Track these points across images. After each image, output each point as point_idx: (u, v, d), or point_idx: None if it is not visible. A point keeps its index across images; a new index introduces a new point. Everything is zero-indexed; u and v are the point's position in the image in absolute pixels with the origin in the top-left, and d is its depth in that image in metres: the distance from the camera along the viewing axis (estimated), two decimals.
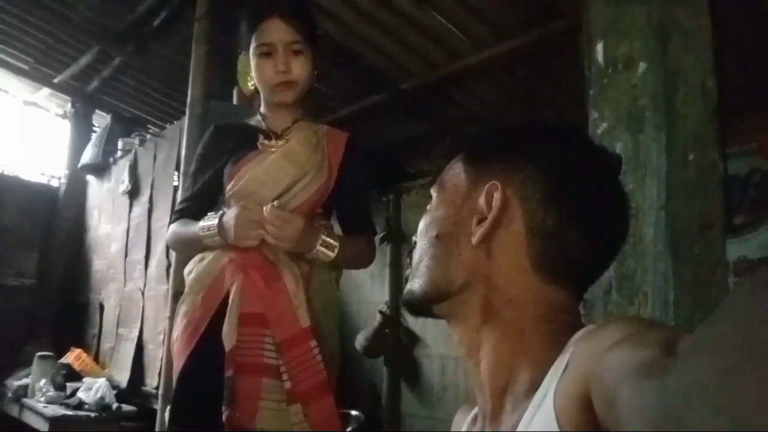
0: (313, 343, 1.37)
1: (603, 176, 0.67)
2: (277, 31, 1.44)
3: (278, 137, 1.51)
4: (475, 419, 0.72)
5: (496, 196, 0.63)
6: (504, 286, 0.63)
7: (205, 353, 1.38)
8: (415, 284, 0.70)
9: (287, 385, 1.35)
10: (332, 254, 1.41)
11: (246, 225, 1.36)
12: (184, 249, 1.56)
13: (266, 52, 1.45)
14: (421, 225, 0.72)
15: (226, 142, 1.54)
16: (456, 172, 0.70)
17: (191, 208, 1.53)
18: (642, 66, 1.06)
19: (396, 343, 4.47)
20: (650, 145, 1.03)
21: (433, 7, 2.97)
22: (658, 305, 0.96)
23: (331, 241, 1.41)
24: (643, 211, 1.01)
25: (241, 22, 1.54)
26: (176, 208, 1.59)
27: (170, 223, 1.57)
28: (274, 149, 1.49)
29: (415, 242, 0.73)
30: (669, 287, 0.95)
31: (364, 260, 1.57)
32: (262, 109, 1.58)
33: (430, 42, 3.24)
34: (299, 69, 1.46)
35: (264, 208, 1.36)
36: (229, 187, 1.48)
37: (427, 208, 0.73)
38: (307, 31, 1.47)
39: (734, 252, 3.09)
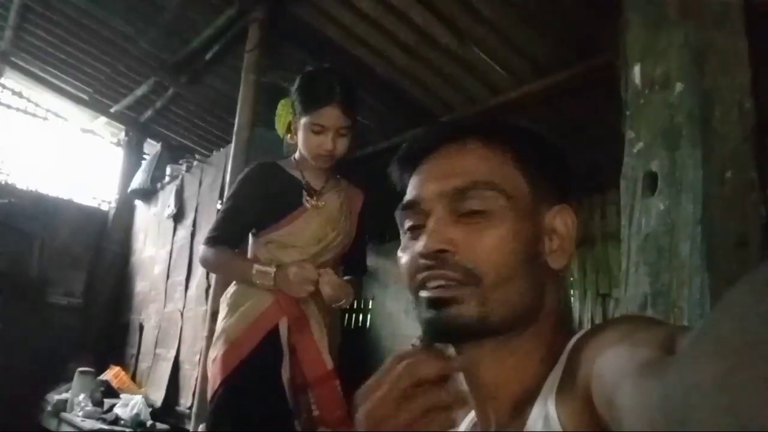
0: (337, 381, 1.66)
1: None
2: (333, 117, 1.65)
3: (318, 195, 1.75)
4: (474, 425, 0.70)
5: (573, 222, 0.64)
6: (550, 307, 0.64)
7: (245, 378, 1.58)
8: (492, 310, 0.59)
9: (315, 413, 1.62)
10: (347, 304, 1.68)
11: (303, 282, 1.59)
12: (224, 273, 1.82)
13: (318, 131, 1.66)
14: (502, 240, 0.60)
15: (269, 189, 1.73)
16: (517, 179, 0.63)
17: (228, 240, 1.73)
18: (679, 86, 1.08)
19: None
20: (687, 162, 1.04)
21: (475, 43, 3.04)
22: (693, 320, 0.95)
23: (351, 293, 1.68)
24: (678, 226, 1.01)
25: (297, 85, 1.73)
26: (213, 232, 1.75)
27: (205, 244, 1.75)
28: (317, 208, 1.73)
29: (446, 251, 0.60)
30: (705, 302, 0.94)
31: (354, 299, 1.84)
32: (299, 157, 1.77)
33: (470, 77, 3.30)
34: (342, 147, 1.70)
35: (320, 271, 1.61)
36: (275, 233, 1.70)
37: (490, 216, 0.61)
38: (355, 115, 1.71)
39: None
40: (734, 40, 1.08)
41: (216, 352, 1.64)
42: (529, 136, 0.68)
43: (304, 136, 1.70)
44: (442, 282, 0.60)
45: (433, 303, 0.60)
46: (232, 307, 1.69)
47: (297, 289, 1.60)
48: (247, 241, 1.79)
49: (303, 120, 1.68)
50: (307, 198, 1.73)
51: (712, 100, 1.06)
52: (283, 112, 1.83)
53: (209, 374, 1.67)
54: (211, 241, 1.73)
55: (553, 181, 0.66)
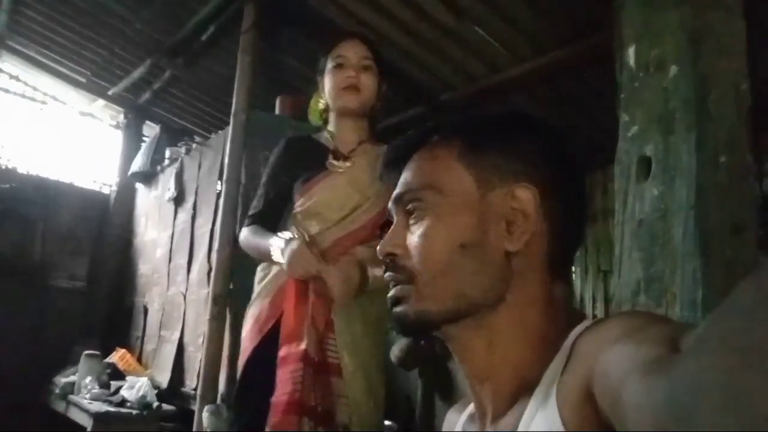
0: (299, 365, 1.45)
1: (578, 164, 0.68)
2: (353, 46, 1.68)
3: (345, 158, 1.66)
4: (471, 418, 0.71)
5: (531, 199, 0.62)
6: (528, 291, 0.63)
7: (268, 349, 1.51)
8: (428, 304, 0.63)
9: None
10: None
11: (299, 264, 1.48)
12: (255, 254, 1.70)
13: (340, 64, 1.65)
14: (429, 236, 0.64)
15: (297, 157, 1.70)
16: (456, 173, 0.65)
17: (263, 215, 1.69)
18: (674, 69, 1.07)
19: (431, 355, 4.45)
20: (681, 147, 1.03)
21: (473, 21, 3.00)
22: (686, 306, 0.95)
23: (378, 276, 1.50)
24: (672, 211, 1.01)
25: (320, 58, 1.74)
26: (250, 212, 1.72)
27: (244, 225, 1.72)
28: (341, 170, 1.64)
29: (394, 255, 0.67)
30: (698, 288, 0.94)
31: None
32: (331, 126, 1.73)
33: (469, 55, 3.27)
34: (366, 80, 1.65)
35: (327, 268, 1.48)
36: (298, 203, 1.64)
37: (424, 215, 0.65)
38: (377, 56, 1.70)
39: None
40: (732, 22, 1.07)
41: (246, 327, 1.62)
42: (480, 125, 0.68)
43: (329, 81, 1.67)
44: (394, 282, 0.67)
45: (390, 302, 0.67)
46: (258, 282, 1.66)
47: (293, 271, 1.49)
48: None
49: (327, 66, 1.68)
50: (332, 161, 1.65)
51: (707, 83, 1.05)
52: (314, 105, 1.79)
53: (242, 350, 1.63)
54: (248, 220, 1.69)
55: (519, 162, 0.64)
